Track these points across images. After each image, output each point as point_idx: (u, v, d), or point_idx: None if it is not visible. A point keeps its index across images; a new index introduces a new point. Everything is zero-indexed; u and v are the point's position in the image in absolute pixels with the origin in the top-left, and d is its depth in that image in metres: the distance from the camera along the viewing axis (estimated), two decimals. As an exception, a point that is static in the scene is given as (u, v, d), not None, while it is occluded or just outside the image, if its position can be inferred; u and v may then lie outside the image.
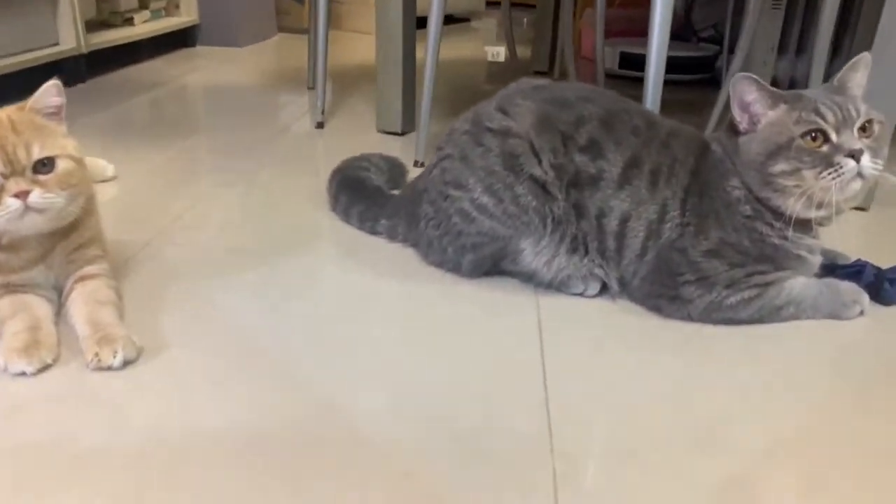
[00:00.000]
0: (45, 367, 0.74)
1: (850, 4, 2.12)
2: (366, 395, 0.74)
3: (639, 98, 1.18)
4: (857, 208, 1.32)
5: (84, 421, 0.68)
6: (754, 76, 0.86)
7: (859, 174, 0.81)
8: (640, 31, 2.85)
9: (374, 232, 1.13)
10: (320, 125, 1.76)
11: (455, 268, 1.00)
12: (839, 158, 0.81)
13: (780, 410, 0.76)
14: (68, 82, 2.01)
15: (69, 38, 2.04)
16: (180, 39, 2.80)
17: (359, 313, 0.91)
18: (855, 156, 0.80)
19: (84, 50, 2.09)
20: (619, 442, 0.69)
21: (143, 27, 2.55)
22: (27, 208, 0.74)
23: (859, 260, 0.99)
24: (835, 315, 0.93)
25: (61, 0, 2.01)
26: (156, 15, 2.70)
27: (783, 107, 0.86)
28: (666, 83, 2.62)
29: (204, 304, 0.91)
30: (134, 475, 0.62)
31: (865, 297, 0.94)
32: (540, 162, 0.91)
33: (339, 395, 0.74)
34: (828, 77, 2.08)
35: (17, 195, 0.73)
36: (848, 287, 0.94)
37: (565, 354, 0.84)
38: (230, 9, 2.88)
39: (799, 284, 0.91)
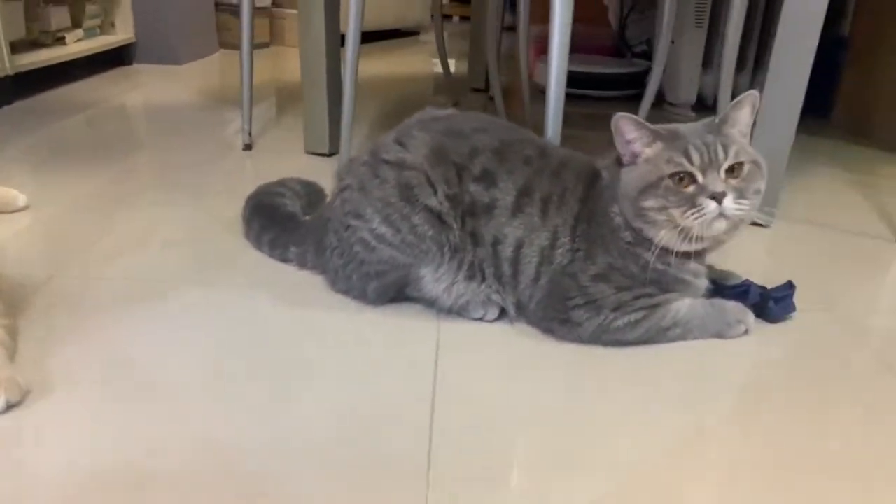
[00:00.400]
0: (-76, 412, 0.74)
1: (773, 18, 2.20)
2: (250, 428, 0.76)
3: (567, 114, 1.21)
4: (756, 224, 1.38)
5: (-40, 466, 0.68)
6: (634, 116, 0.90)
7: (722, 215, 0.85)
8: (576, 48, 2.92)
9: (284, 259, 1.14)
10: (248, 147, 1.76)
11: (361, 295, 1.02)
12: (702, 200, 0.85)
13: (656, 428, 0.79)
14: (-7, 104, 2.00)
15: (-7, 60, 2.01)
16: (116, 58, 2.77)
17: (256, 344, 0.92)
18: (717, 198, 0.85)
19: (10, 71, 2.06)
20: (494, 468, 0.71)
21: (76, 46, 2.52)
22: None
23: (746, 280, 1.04)
24: (720, 334, 0.97)
25: (-16, 21, 1.98)
26: (90, 33, 2.68)
27: (659, 144, 0.89)
28: (598, 99, 2.71)
29: (99, 338, 0.91)
30: (4, 522, 0.62)
31: (750, 316, 0.98)
32: (435, 192, 0.94)
33: (222, 430, 0.75)
34: (751, 86, 2.17)
35: None
36: (733, 307, 0.98)
37: (458, 379, 0.86)
38: (168, 25, 2.87)
39: (685, 306, 0.95)
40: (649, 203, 0.87)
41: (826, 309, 1.08)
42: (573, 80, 2.65)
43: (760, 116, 1.30)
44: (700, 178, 0.86)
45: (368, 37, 3.97)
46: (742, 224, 0.90)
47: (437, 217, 0.94)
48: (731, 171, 0.87)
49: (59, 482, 0.67)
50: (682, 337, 0.95)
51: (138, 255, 1.17)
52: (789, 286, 1.02)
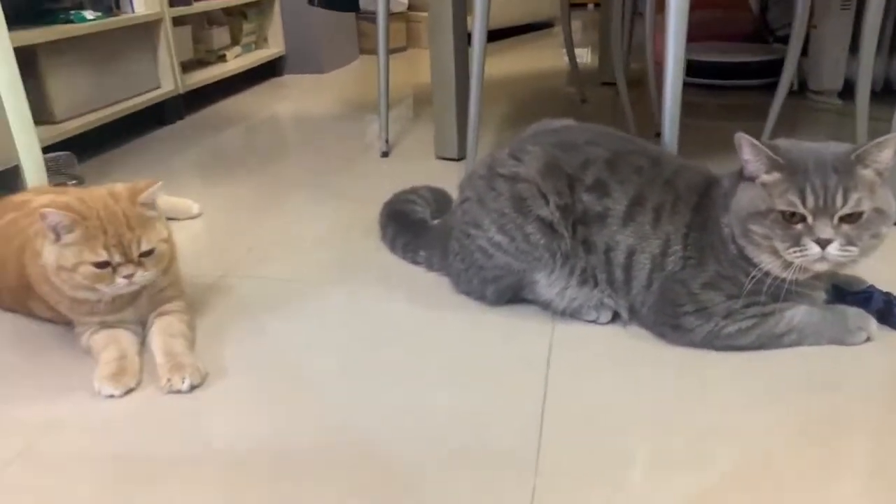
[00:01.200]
0: (129, 391, 0.91)
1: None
2: (380, 416, 0.87)
3: (701, 105, 1.20)
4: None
5: (156, 436, 0.84)
6: (753, 141, 0.89)
7: (823, 258, 0.85)
8: (712, 35, 2.83)
9: (414, 262, 1.25)
10: (385, 154, 1.90)
11: (481, 297, 1.11)
12: (806, 241, 0.86)
13: (761, 429, 0.82)
14: (167, 120, 2.29)
15: (168, 81, 2.29)
16: (269, 70, 3.04)
17: (389, 340, 1.04)
18: (821, 243, 0.85)
19: (181, 90, 2.34)
20: (600, 462, 0.78)
21: (235, 62, 2.80)
22: (132, 284, 0.93)
23: (870, 286, 1.02)
24: (839, 341, 0.96)
25: (161, 46, 2.27)
26: (246, 49, 2.95)
27: (777, 175, 0.89)
28: (739, 88, 2.62)
29: (260, 334, 1.07)
30: (194, 480, 0.77)
31: (872, 323, 0.97)
32: (547, 203, 1.01)
33: (357, 417, 0.87)
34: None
35: (126, 276, 0.93)
36: (854, 313, 0.97)
37: (569, 376, 0.93)
38: (314, 37, 3.10)
39: (801, 312, 0.96)
40: (756, 228, 0.89)
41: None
42: (707, 69, 2.60)
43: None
44: (810, 220, 0.86)
45: (499, 34, 4.07)
46: (857, 261, 0.89)
47: (549, 226, 1.01)
48: (849, 216, 0.85)
49: (229, 451, 0.81)
50: (798, 343, 0.96)
51: (291, 257, 1.33)
52: (917, 293, 0.99)
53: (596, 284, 1.03)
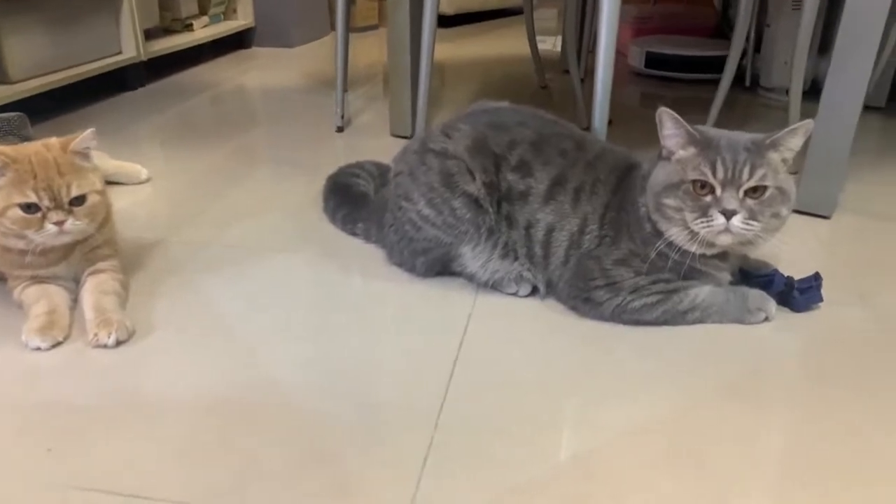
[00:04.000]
0: (57, 344, 0.94)
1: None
2: (303, 372, 0.92)
3: (659, 96, 1.23)
4: (817, 215, 1.39)
5: (79, 388, 0.88)
6: (675, 115, 0.95)
7: (728, 230, 0.91)
8: (671, 28, 2.88)
9: (353, 233, 1.29)
10: (340, 129, 1.93)
11: (411, 268, 1.15)
12: (713, 212, 0.91)
13: (653, 397, 0.88)
14: (128, 87, 2.29)
15: (130, 47, 2.29)
16: (237, 41, 3.03)
17: (319, 304, 1.08)
18: (727, 214, 0.91)
19: (144, 57, 2.34)
20: (497, 420, 0.83)
21: (202, 32, 2.79)
22: (61, 232, 0.95)
23: (773, 270, 1.08)
24: (740, 320, 1.03)
25: (123, 11, 2.26)
26: (214, 19, 2.94)
27: (692, 149, 0.95)
28: (696, 82, 2.67)
29: (194, 294, 1.10)
30: (110, 428, 0.81)
31: (772, 305, 1.03)
32: (473, 180, 1.05)
33: (280, 373, 0.91)
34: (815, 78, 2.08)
35: (55, 223, 0.95)
36: (755, 294, 1.03)
37: (482, 343, 0.98)
38: (284, 10, 3.09)
39: (705, 291, 1.02)
40: (668, 201, 0.94)
41: (858, 304, 1.10)
42: (665, 62, 2.65)
43: (823, 101, 1.32)
44: (718, 191, 0.92)
45: (472, 17, 4.08)
46: (760, 240, 0.95)
47: (475, 202, 1.05)
48: (753, 191, 0.92)
49: (151, 402, 0.85)
50: (701, 320, 1.02)
51: (234, 224, 1.36)
52: (815, 277, 1.05)
53: (517, 258, 1.08)
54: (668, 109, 0.96)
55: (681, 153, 0.96)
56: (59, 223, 0.95)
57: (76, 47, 2.09)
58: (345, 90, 1.95)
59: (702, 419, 0.84)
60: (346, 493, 0.73)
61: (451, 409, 0.85)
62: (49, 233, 0.95)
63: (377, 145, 1.82)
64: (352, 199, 1.33)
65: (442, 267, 1.14)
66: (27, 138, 1.66)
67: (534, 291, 1.09)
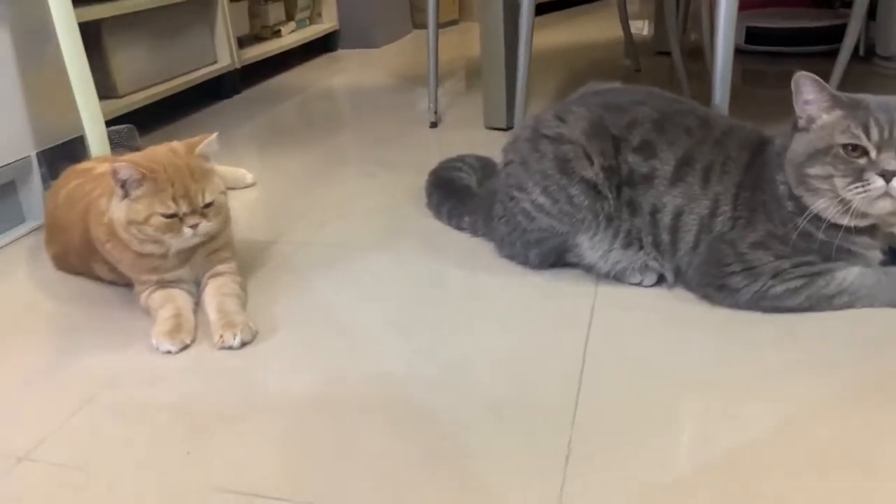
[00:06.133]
0: (185, 347, 0.96)
1: None
2: (421, 368, 0.89)
3: (761, 73, 1.16)
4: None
5: (209, 388, 0.88)
6: (815, 77, 0.88)
7: (888, 194, 0.82)
8: (770, 1, 2.73)
9: (459, 228, 1.26)
10: (433, 125, 1.91)
11: (524, 261, 1.11)
12: (869, 175, 0.83)
13: (800, 389, 0.80)
14: (224, 94, 2.35)
15: (225, 56, 2.35)
16: (323, 45, 3.08)
17: (432, 299, 1.06)
18: (886, 176, 0.82)
19: (238, 65, 2.40)
20: (636, 416, 0.78)
21: (290, 37, 2.84)
22: (195, 234, 0.98)
23: (931, 248, 0.98)
24: (894, 303, 0.93)
25: (218, 21, 2.32)
26: (301, 24, 2.99)
27: (838, 112, 0.87)
28: (802, 55, 2.52)
29: (308, 293, 1.10)
30: (244, 427, 0.81)
31: (930, 286, 0.93)
32: (591, 164, 1.00)
33: (400, 369, 0.89)
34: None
35: (191, 226, 0.97)
36: (911, 276, 0.94)
37: (610, 336, 0.93)
38: (367, 12, 3.12)
39: (854, 273, 0.93)
40: (815, 170, 0.87)
41: None
42: (769, 36, 2.51)
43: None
44: (873, 153, 0.84)
45: (555, 5, 4.00)
46: None
47: (593, 188, 1.00)
48: None
49: (277, 402, 0.85)
50: (850, 305, 0.93)
51: (340, 223, 1.36)
52: (980, 255, 0.95)
53: (641, 247, 1.02)
54: (807, 73, 0.88)
55: (824, 118, 0.89)
56: (195, 226, 0.97)
57: (176, 59, 2.16)
58: (437, 85, 1.93)
59: (855, 414, 0.77)
60: (480, 492, 0.69)
61: (587, 405, 0.80)
62: (186, 236, 0.98)
63: (472, 138, 1.79)
64: (456, 193, 1.30)
65: (557, 258, 1.09)
66: (136, 149, 1.72)
67: (659, 281, 1.03)
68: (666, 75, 2.35)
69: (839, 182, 0.85)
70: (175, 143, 1.01)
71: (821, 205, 0.87)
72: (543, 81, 2.34)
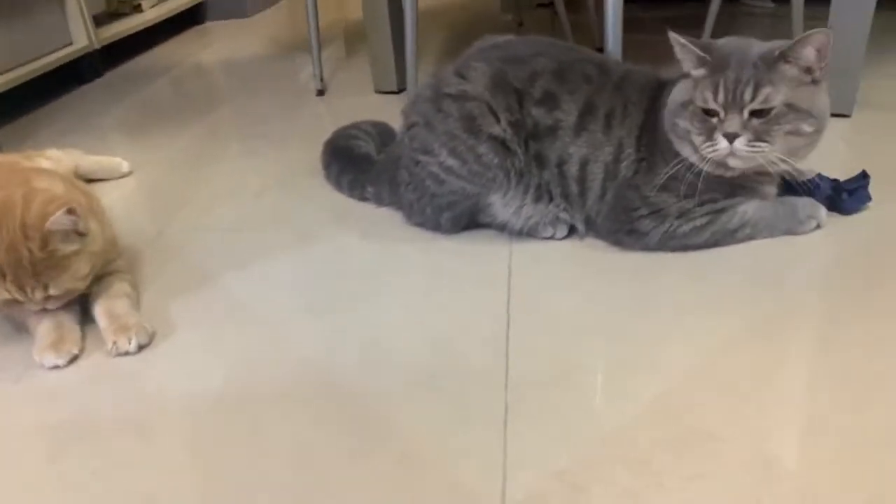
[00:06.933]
0: (74, 358, 0.86)
1: None
2: (340, 349, 0.85)
3: (640, 19, 1.16)
4: (838, 115, 1.33)
5: (107, 398, 0.80)
6: (681, 38, 0.90)
7: (732, 153, 0.86)
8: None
9: (362, 198, 1.21)
10: (321, 92, 1.83)
11: (435, 226, 1.08)
12: (716, 135, 0.86)
13: (712, 330, 0.82)
14: (85, 78, 2.15)
15: (81, 36, 2.14)
16: (189, 18, 2.87)
17: (344, 275, 1.01)
18: (729, 137, 0.85)
19: (96, 45, 2.19)
20: (566, 370, 0.78)
21: (152, 12, 2.62)
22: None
23: (817, 174, 1.02)
24: (791, 231, 0.97)
25: (68, -2, 2.10)
26: (162, -2, 2.77)
27: (702, 71, 0.89)
28: (677, 0, 2.56)
29: (206, 284, 1.02)
30: (151, 434, 0.74)
31: (822, 211, 0.98)
32: (498, 121, 0.97)
33: (317, 352, 0.85)
34: None
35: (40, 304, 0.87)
36: (804, 202, 0.98)
37: (529, 293, 0.92)
38: (234, -21, 2.93)
39: (752, 206, 0.96)
40: (679, 122, 0.90)
41: (906, 197, 1.05)
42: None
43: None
44: (722, 114, 0.86)
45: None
46: (783, 162, 0.88)
47: (502, 144, 0.97)
48: (758, 112, 0.85)
49: (183, 407, 0.78)
50: (752, 237, 0.97)
51: (232, 206, 1.27)
52: (863, 176, 1.00)
53: (551, 199, 1.01)
54: (674, 34, 0.90)
55: (693, 72, 0.91)
56: (44, 301, 0.87)
57: (23, 43, 1.94)
58: (320, 49, 1.84)
59: (760, 350, 0.79)
60: (420, 466, 0.67)
61: (517, 365, 0.79)
62: (35, 309, 0.88)
63: (363, 104, 1.72)
64: (355, 163, 1.24)
65: (469, 220, 1.06)
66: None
67: (571, 232, 1.03)
68: (549, 27, 2.36)
69: (696, 139, 0.88)
70: (33, 207, 0.84)
71: (688, 154, 0.91)
72: (426, 41, 2.29)
